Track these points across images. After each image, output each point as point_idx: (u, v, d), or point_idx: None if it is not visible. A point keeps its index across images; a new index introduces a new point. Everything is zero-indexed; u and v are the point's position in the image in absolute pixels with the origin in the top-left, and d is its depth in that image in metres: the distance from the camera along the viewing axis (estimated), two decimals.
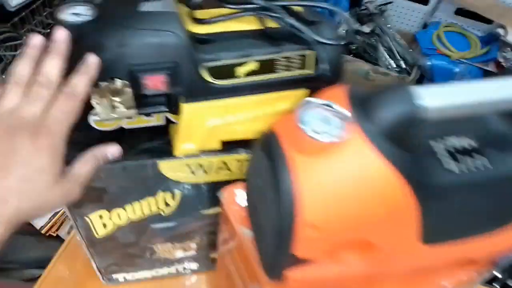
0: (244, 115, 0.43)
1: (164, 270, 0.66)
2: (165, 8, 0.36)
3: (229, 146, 0.46)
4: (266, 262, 0.35)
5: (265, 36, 0.38)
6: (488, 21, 1.34)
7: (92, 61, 0.33)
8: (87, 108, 0.46)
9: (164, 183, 0.47)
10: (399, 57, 1.40)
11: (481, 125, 0.32)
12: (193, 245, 0.62)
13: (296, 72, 0.40)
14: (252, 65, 0.39)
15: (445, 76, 1.30)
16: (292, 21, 0.37)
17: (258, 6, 0.37)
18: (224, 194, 0.43)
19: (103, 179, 0.44)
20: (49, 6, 1.00)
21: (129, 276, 0.65)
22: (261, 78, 0.40)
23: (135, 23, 0.35)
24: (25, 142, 0.29)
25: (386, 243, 0.30)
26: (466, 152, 0.31)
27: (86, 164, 0.34)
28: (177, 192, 0.49)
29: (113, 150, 0.35)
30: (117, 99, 0.38)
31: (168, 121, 0.48)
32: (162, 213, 0.52)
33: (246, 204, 0.40)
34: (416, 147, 0.27)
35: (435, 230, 0.30)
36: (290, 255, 0.30)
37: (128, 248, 0.58)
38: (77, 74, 0.33)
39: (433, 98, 0.26)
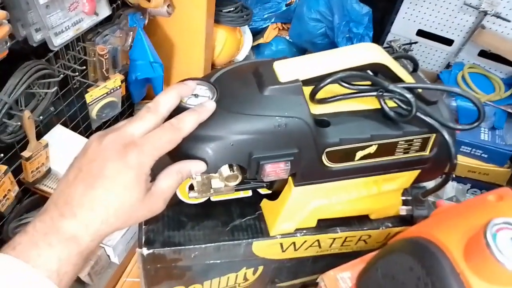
0: (348, 196, 0.40)
1: None
2: (293, 92, 0.33)
3: (324, 224, 0.43)
4: None
5: (385, 117, 0.36)
6: (511, 64, 1.35)
7: (209, 107, 0.33)
8: None
9: (252, 261, 0.44)
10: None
11: None
12: None
13: (413, 155, 0.38)
14: (371, 148, 0.36)
15: (469, 117, 1.30)
16: (419, 103, 0.35)
17: (382, 87, 0.35)
18: (325, 280, 0.40)
19: (192, 259, 0.41)
20: (82, 41, 0.97)
21: None
22: (377, 160, 0.38)
23: (261, 109, 0.33)
24: (115, 156, 0.29)
25: None
26: None
27: (170, 179, 0.32)
28: (260, 268, 0.46)
29: (197, 166, 0.33)
30: (229, 183, 0.35)
31: (254, 193, 0.46)
32: (237, 286, 0.48)
33: None
34: None
35: None
36: None
37: None
38: (189, 111, 0.32)
39: None
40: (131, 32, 1.11)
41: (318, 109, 0.36)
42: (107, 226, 0.29)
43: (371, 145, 0.36)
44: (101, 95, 1.05)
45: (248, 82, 0.34)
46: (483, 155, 1.29)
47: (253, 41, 1.34)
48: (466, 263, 0.25)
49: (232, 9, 1.17)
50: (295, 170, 0.35)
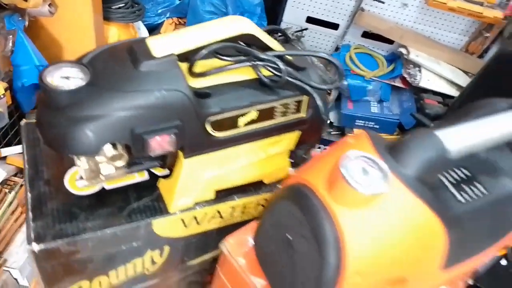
0: (239, 163, 0.43)
1: None
2: (168, 66, 0.34)
3: (222, 194, 0.45)
4: None
5: (262, 85, 0.39)
6: (390, 42, 1.51)
7: None
8: (62, 172, 0.42)
9: (155, 242, 0.44)
10: None
11: (471, 158, 0.36)
12: None
13: (291, 117, 0.42)
14: (252, 115, 0.39)
15: (360, 93, 1.43)
16: (289, 69, 0.38)
17: (253, 56, 0.38)
18: (226, 245, 0.42)
19: (91, 249, 0.40)
20: None
21: None
22: (260, 125, 0.40)
23: (137, 84, 0.33)
24: None
25: (417, 276, 0.32)
26: (465, 181, 0.35)
27: None
28: (166, 248, 0.46)
29: None
30: (115, 164, 0.35)
31: (151, 175, 0.46)
32: (146, 272, 0.48)
33: (256, 255, 0.40)
34: (436, 185, 0.30)
35: (454, 255, 0.33)
36: None
37: None
38: None
39: (454, 141, 0.29)
40: (11, 36, 1.03)
41: (198, 83, 0.38)
42: None
43: (251, 111, 0.39)
44: None
45: (123, 60, 0.35)
46: (375, 126, 1.42)
47: None
48: (329, 195, 0.29)
49: (122, 5, 1.14)
50: (182, 142, 0.37)
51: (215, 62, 0.39)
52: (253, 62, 0.39)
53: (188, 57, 0.37)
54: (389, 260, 0.29)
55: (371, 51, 1.55)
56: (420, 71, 1.43)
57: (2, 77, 1.04)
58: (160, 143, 0.35)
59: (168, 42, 0.36)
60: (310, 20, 1.53)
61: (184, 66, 0.36)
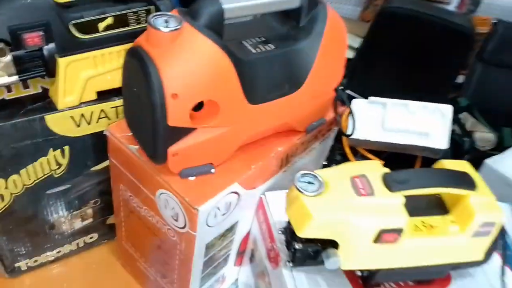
0: (111, 66, 0.55)
1: (65, 248, 0.71)
2: None
3: (103, 96, 0.57)
4: (151, 150, 0.47)
5: None
6: None
7: None
8: None
9: (54, 140, 0.55)
10: None
11: (268, 30, 0.51)
12: (90, 211, 0.69)
13: (145, 25, 0.55)
14: (109, 20, 0.51)
15: None
16: None
17: None
18: (109, 128, 0.54)
19: None
20: None
21: (32, 261, 0.68)
22: (118, 31, 0.53)
23: None
24: None
25: (225, 102, 0.45)
26: (261, 42, 0.49)
27: None
28: (66, 149, 0.57)
29: None
30: (1, 59, 0.47)
31: (44, 89, 0.57)
32: (54, 174, 0.59)
33: (127, 124, 0.52)
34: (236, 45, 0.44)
35: (253, 92, 0.47)
36: (166, 128, 0.44)
37: (27, 224, 0.63)
38: None
39: (230, 2, 0.43)
40: None
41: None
42: None
43: (107, 17, 0.52)
44: None
45: None
46: None
47: None
48: (148, 44, 0.42)
49: None
50: (51, 40, 0.49)
51: None
52: None
53: None
54: (196, 85, 0.42)
55: None
56: None
57: None
58: (32, 38, 0.47)
59: None
60: None
61: None
